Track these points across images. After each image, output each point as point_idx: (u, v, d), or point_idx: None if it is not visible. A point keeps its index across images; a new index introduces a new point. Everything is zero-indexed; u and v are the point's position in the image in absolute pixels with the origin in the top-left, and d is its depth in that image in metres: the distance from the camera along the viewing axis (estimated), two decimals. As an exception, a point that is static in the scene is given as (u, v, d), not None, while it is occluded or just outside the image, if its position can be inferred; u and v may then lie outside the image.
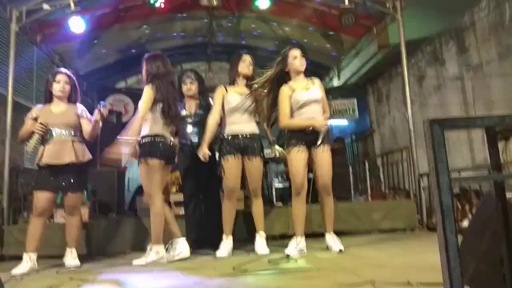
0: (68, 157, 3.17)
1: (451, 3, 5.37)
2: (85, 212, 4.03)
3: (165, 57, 3.45)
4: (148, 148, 3.16)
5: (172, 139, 3.36)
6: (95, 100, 7.91)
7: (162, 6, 5.26)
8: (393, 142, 7.68)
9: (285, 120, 3.38)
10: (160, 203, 3.16)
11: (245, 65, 3.55)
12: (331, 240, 3.35)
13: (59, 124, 3.24)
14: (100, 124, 3.24)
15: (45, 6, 4.75)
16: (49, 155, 3.17)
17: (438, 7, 5.52)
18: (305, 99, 3.35)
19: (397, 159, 5.45)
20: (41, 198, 3.16)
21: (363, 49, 6.81)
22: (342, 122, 9.07)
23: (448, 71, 6.04)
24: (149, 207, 3.25)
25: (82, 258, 3.41)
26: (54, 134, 3.22)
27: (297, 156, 3.30)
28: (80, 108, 3.38)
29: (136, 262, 3.12)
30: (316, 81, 3.51)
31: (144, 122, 3.22)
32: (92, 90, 7.85)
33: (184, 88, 3.83)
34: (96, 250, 3.96)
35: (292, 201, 3.39)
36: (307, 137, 3.30)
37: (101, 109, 3.18)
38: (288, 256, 3.11)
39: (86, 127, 3.33)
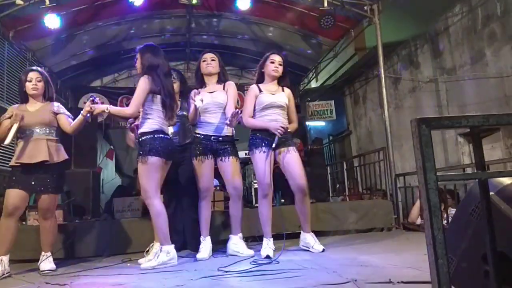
0: (41, 156, 3.06)
1: (426, 7, 5.50)
2: (59, 214, 3.90)
3: (159, 48, 3.34)
4: (149, 146, 3.02)
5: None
6: (69, 98, 7.71)
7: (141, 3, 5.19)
8: (370, 143, 7.83)
9: (244, 117, 3.40)
10: (159, 203, 3.05)
11: (205, 64, 3.52)
12: (312, 240, 3.36)
13: (35, 124, 3.14)
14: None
15: (18, 1, 4.58)
16: (22, 154, 3.06)
17: (414, 12, 5.66)
18: (268, 101, 3.38)
19: (374, 160, 5.55)
20: (13, 195, 3.01)
21: (340, 51, 6.90)
22: (320, 123, 9.18)
23: (423, 74, 6.20)
24: (146, 206, 3.12)
25: (58, 261, 3.30)
26: (28, 133, 3.12)
27: (260, 157, 3.29)
28: (56, 104, 3.29)
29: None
30: (287, 90, 3.54)
31: (144, 116, 3.09)
32: (66, 88, 7.64)
33: None
34: (72, 254, 3.83)
35: (259, 203, 3.35)
36: (269, 138, 3.29)
37: (96, 100, 3.06)
38: (268, 256, 3.09)
39: (65, 122, 3.23)
